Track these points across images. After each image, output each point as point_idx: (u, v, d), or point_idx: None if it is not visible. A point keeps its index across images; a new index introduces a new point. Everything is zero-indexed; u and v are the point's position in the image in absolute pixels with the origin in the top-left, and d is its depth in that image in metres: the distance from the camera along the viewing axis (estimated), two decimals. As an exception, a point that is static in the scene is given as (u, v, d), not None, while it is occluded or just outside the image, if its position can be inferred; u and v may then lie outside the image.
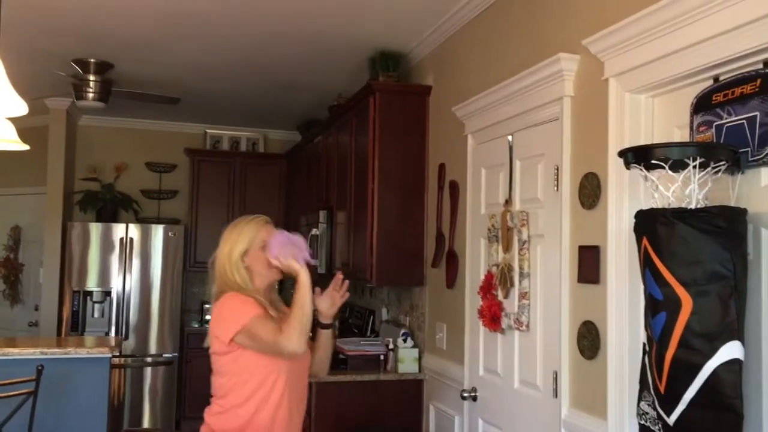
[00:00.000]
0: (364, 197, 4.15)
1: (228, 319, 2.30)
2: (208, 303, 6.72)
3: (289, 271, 2.32)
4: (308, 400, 3.82)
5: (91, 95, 4.98)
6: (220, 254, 2.40)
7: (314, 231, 4.98)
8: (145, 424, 6.04)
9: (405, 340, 3.99)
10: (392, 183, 4.07)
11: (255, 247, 2.36)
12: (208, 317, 6.65)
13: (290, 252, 2.31)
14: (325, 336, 2.51)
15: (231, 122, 6.81)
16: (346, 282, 2.46)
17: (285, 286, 3.86)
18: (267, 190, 6.81)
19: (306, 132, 6.15)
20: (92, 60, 4.82)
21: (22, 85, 4.21)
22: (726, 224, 1.79)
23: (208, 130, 6.95)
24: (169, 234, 6.22)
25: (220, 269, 2.39)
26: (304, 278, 2.29)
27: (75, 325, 5.94)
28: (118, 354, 5.80)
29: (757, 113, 1.89)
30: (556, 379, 2.63)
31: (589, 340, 2.44)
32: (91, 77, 4.93)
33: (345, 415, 3.79)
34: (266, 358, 2.29)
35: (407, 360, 3.96)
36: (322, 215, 4.95)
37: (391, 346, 4.05)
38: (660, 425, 1.91)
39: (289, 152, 6.69)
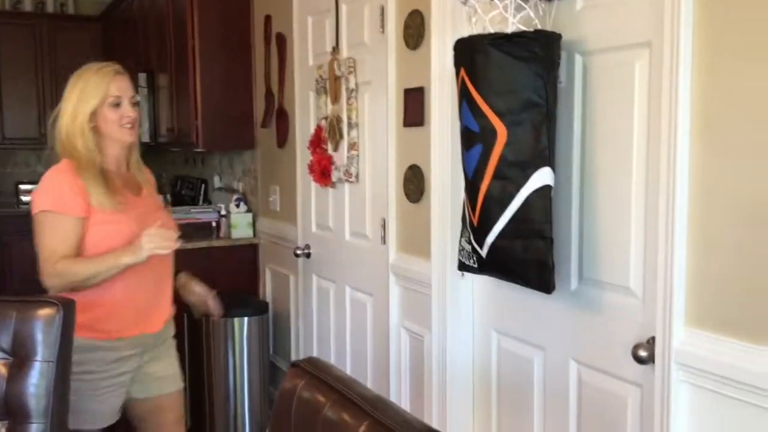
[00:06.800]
0: (185, 57, 3.82)
1: (39, 194, 2.03)
2: (23, 183, 6.15)
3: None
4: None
5: None
6: (62, 113, 2.06)
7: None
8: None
9: (238, 206, 3.86)
10: (214, 39, 3.76)
11: (105, 106, 2.03)
12: (24, 199, 6.11)
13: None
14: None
15: (32, -22, 5.97)
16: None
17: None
18: (82, 57, 6.11)
19: (120, -11, 5.52)
20: None
21: None
22: (541, 50, 1.76)
23: (4, -13, 6.06)
24: (-33, 108, 5.49)
25: (60, 131, 2.06)
26: (130, 258, 1.97)
27: None
28: None
29: (574, -65, 1.83)
30: (384, 226, 2.62)
31: (415, 183, 2.43)
32: None
33: (176, 283, 3.64)
34: (98, 231, 2.02)
35: (241, 225, 3.84)
36: (142, 79, 4.54)
37: (223, 212, 3.90)
38: (474, 258, 1.95)
39: (103, 14, 6.02)
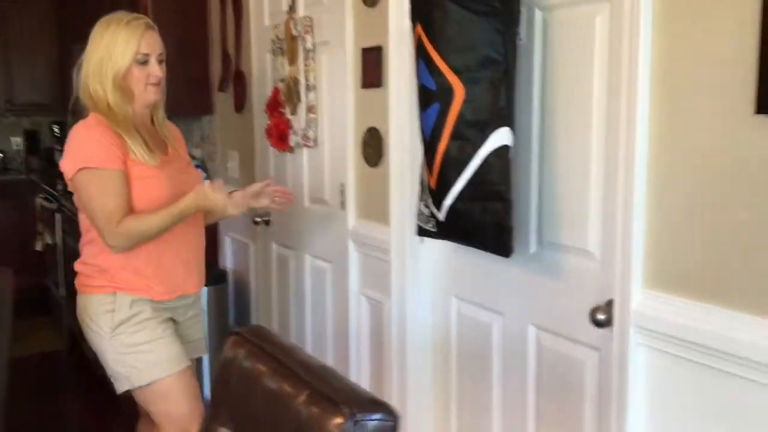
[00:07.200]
0: (139, 17, 3.67)
1: (72, 153, 1.93)
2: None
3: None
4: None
5: None
6: (87, 63, 1.96)
7: (87, 60, 4.40)
8: None
9: (196, 173, 3.75)
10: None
11: (135, 63, 1.94)
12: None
13: None
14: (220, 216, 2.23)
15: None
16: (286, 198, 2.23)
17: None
18: (35, 21, 5.90)
19: (72, -52, 5.28)
20: None
21: None
22: (500, 4, 1.68)
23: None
24: None
25: (86, 83, 1.97)
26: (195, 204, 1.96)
27: None
28: None
29: None
30: (343, 192, 2.55)
31: (373, 147, 2.35)
32: None
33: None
34: (137, 186, 1.94)
35: (199, 193, 3.73)
36: (94, 41, 4.36)
37: (181, 179, 3.78)
38: (433, 222, 1.89)
39: (55, -26, 5.78)
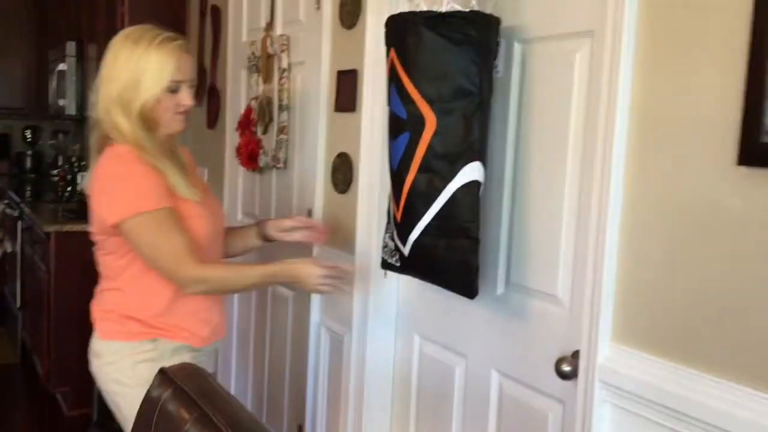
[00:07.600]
0: (114, 27, 3.57)
1: (118, 196, 1.68)
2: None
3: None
4: (47, 251, 3.41)
5: None
6: (109, 86, 1.69)
7: (61, 66, 4.30)
8: None
9: (164, 188, 3.63)
10: (147, 9, 3.53)
11: (165, 91, 1.69)
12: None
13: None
14: (256, 245, 2.10)
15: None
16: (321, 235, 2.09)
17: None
18: (11, 24, 5.78)
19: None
20: None
21: None
22: (476, 33, 1.61)
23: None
24: None
25: (107, 108, 1.70)
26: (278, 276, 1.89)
27: None
28: None
29: None
30: (310, 217, 2.45)
31: (343, 172, 2.26)
32: None
33: (89, 268, 3.40)
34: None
35: (166, 208, 3.61)
36: (70, 47, 4.26)
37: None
38: (397, 256, 1.80)
39: (37, -25, 5.67)
